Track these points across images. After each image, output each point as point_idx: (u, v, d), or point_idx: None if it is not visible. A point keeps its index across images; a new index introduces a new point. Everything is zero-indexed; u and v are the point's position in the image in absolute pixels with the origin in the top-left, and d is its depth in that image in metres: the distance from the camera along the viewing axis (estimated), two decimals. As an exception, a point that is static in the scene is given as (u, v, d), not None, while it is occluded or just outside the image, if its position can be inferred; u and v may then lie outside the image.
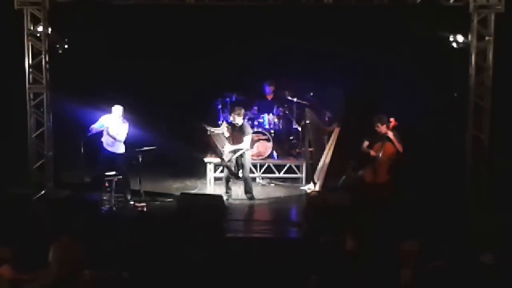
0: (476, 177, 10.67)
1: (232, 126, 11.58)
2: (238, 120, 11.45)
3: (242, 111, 11.59)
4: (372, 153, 10.86)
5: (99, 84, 13.18)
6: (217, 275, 7.02)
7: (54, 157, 11.30)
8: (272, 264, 7.60)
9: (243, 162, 11.51)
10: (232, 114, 11.57)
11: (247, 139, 11.45)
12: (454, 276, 5.56)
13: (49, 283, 4.23)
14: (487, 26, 10.51)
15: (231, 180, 11.69)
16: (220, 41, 13.73)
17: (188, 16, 12.79)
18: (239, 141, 11.47)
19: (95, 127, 10.85)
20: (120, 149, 11.00)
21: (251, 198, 11.55)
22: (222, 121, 12.60)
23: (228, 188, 11.63)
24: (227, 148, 11.55)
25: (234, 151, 11.47)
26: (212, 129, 11.85)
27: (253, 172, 12.93)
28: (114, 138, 10.85)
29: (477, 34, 10.54)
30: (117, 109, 10.91)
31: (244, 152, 11.46)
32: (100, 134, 10.95)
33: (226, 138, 11.69)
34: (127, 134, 10.99)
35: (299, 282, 6.11)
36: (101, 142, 10.97)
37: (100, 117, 10.98)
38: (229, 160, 11.56)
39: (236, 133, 11.52)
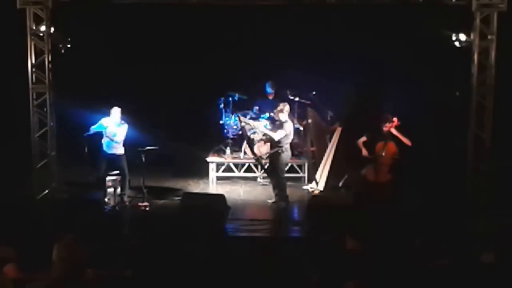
0: (477, 176, 10.68)
1: (272, 123, 11.47)
2: (282, 117, 11.07)
3: (286, 107, 11.17)
4: (364, 152, 10.88)
5: (102, 83, 13.21)
6: (219, 274, 7.03)
7: (57, 156, 11.33)
8: (274, 263, 7.62)
9: (276, 162, 11.14)
10: (276, 112, 11.22)
11: (280, 132, 10.97)
12: (454, 275, 5.58)
13: (53, 282, 4.26)
14: (489, 25, 10.51)
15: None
16: (223, 41, 13.75)
17: (190, 16, 12.81)
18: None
19: (94, 128, 10.81)
20: (120, 150, 10.98)
21: (278, 199, 11.25)
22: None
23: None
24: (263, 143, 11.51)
25: (270, 148, 11.35)
26: (247, 121, 11.87)
27: (255, 172, 12.98)
28: (112, 140, 10.81)
29: (480, 33, 10.55)
30: (115, 111, 10.86)
31: (279, 152, 11.04)
32: (100, 134, 10.93)
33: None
34: (126, 135, 10.93)
35: (301, 281, 6.13)
36: (102, 143, 10.96)
37: (100, 118, 10.95)
38: (260, 157, 11.49)
39: (276, 127, 11.28)
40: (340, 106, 13.05)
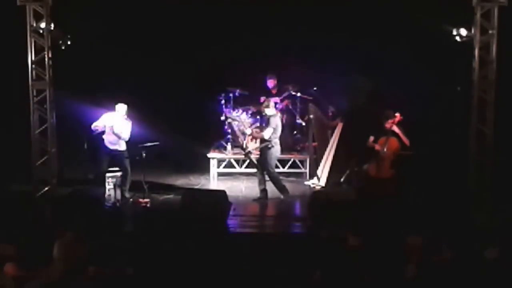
0: (480, 170, 10.65)
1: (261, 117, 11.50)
2: (268, 112, 11.19)
3: (271, 103, 11.35)
4: (377, 147, 10.85)
5: (102, 80, 13.18)
6: (220, 270, 7.02)
7: (58, 153, 11.30)
8: (275, 259, 7.60)
9: (265, 156, 11.21)
10: (262, 107, 11.38)
11: (268, 131, 11.10)
12: (458, 271, 5.56)
13: (54, 280, 4.24)
14: (490, 20, 10.47)
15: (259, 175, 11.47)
16: (224, 36, 13.71)
17: (191, 10, 12.78)
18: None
19: (99, 125, 10.81)
20: (122, 146, 10.99)
21: (283, 193, 11.35)
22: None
23: (262, 188, 11.37)
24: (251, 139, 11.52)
25: (260, 143, 11.37)
26: (233, 117, 11.86)
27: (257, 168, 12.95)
28: (119, 137, 10.83)
29: (481, 28, 10.50)
30: (121, 108, 10.89)
31: (268, 147, 11.11)
32: (101, 131, 10.91)
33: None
34: (131, 132, 10.96)
35: (303, 277, 6.11)
36: (102, 140, 10.93)
37: (101, 114, 10.94)
38: (249, 152, 11.47)
39: (264, 122, 11.37)
40: (341, 102, 13.02)
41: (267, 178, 11.40)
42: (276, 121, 11.20)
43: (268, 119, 11.18)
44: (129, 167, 11.04)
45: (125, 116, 10.89)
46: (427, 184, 11.00)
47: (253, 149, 11.83)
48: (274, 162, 11.44)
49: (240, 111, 13.15)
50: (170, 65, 13.84)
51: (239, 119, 12.41)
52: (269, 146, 11.11)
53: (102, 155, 10.98)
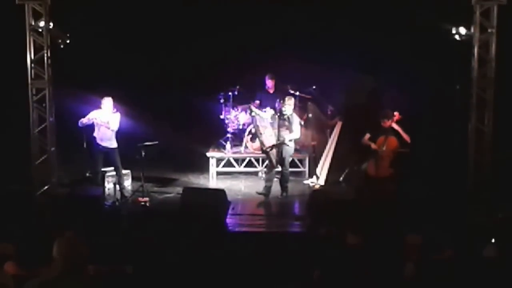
0: (479, 169, 10.65)
1: (280, 114, 11.49)
2: (289, 110, 11.29)
3: (293, 100, 11.46)
4: (373, 146, 10.84)
5: (101, 79, 13.17)
6: (219, 269, 7.03)
7: (57, 152, 11.30)
8: (275, 258, 7.61)
9: (284, 154, 11.33)
10: (283, 103, 11.37)
11: (296, 128, 11.27)
12: (457, 270, 5.58)
13: (54, 279, 4.24)
14: (489, 18, 10.47)
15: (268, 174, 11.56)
16: (222, 34, 13.70)
17: (190, 9, 12.78)
18: (284, 130, 11.33)
19: (84, 120, 10.78)
20: (113, 144, 10.97)
21: (284, 191, 11.50)
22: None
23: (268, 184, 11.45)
24: (269, 135, 11.49)
25: (278, 140, 11.38)
26: (258, 112, 11.85)
27: (256, 166, 12.95)
28: (108, 127, 10.77)
29: (480, 26, 10.50)
30: (107, 101, 10.85)
31: (287, 144, 11.27)
32: (92, 129, 10.91)
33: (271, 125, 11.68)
34: (121, 126, 10.91)
35: (302, 276, 6.12)
36: (94, 137, 10.93)
37: (90, 111, 10.93)
38: (270, 147, 11.47)
39: (283, 122, 11.37)
40: (340, 101, 13.02)
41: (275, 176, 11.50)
42: (297, 118, 11.39)
43: (289, 118, 11.29)
44: (120, 165, 11.08)
45: (112, 108, 10.84)
46: (426, 183, 11.00)
47: (268, 147, 11.73)
48: (289, 160, 11.58)
49: (239, 109, 13.14)
50: (170, 64, 13.82)
51: (262, 116, 12.32)
52: (287, 144, 11.22)
53: (96, 153, 10.99)
